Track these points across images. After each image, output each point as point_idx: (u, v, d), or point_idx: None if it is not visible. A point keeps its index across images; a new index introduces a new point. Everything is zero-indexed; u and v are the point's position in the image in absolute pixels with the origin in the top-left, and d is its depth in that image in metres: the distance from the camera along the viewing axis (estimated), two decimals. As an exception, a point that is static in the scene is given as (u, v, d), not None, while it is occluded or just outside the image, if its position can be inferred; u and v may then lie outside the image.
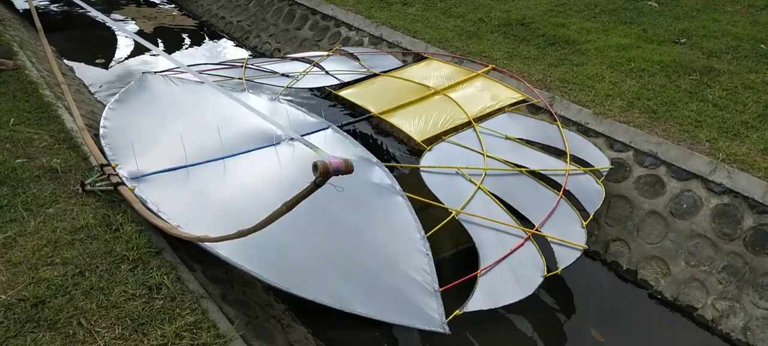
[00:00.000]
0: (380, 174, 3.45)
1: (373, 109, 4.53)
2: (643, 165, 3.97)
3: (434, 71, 5.18)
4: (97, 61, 6.67)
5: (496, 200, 3.42)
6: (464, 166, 3.64)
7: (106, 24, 7.86)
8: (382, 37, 5.94)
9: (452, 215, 3.21)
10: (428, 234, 3.01)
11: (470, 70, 5.13)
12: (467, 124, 4.19)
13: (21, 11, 7.55)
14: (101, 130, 3.82)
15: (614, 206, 3.93)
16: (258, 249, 2.76)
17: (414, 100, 4.63)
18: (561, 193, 3.55)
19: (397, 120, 4.37)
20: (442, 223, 3.16)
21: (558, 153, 3.98)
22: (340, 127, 4.26)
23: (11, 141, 3.53)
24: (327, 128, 4.21)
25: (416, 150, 4.10)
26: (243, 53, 7.09)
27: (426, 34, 5.86)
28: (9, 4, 7.43)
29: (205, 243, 2.60)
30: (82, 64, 6.58)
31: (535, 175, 3.71)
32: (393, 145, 4.78)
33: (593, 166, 3.86)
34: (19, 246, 2.68)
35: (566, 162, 3.84)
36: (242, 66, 5.34)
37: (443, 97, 4.67)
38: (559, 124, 4.22)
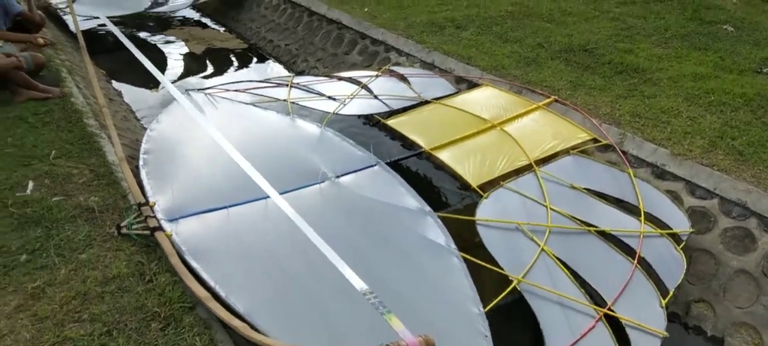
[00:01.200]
0: (433, 228, 3.14)
1: (424, 144, 4.25)
2: (730, 215, 3.51)
3: (490, 100, 4.85)
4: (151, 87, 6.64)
5: (562, 266, 3.05)
6: (525, 222, 3.29)
7: (157, 46, 7.90)
8: (434, 64, 5.66)
9: (513, 285, 2.87)
10: (487, 309, 2.68)
11: (529, 100, 4.78)
12: (527, 167, 3.84)
13: (74, 33, 7.66)
14: (141, 160, 3.68)
15: (697, 261, 3.48)
16: (297, 317, 2.53)
17: (469, 135, 4.33)
18: (636, 261, 3.14)
19: (450, 158, 4.07)
20: (503, 294, 2.82)
21: (629, 208, 3.58)
22: (389, 164, 3.99)
23: (50, 176, 3.41)
24: (375, 165, 3.95)
25: (470, 190, 3.79)
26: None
27: (481, 61, 5.54)
28: (64, 26, 7.55)
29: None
30: (131, 86, 6.56)
31: (605, 235, 3.32)
32: (445, 184, 4.47)
33: (671, 229, 3.43)
34: (48, 298, 2.51)
35: (640, 221, 3.43)
36: (288, 85, 5.17)
37: (500, 132, 4.34)
38: (631, 173, 3.81)
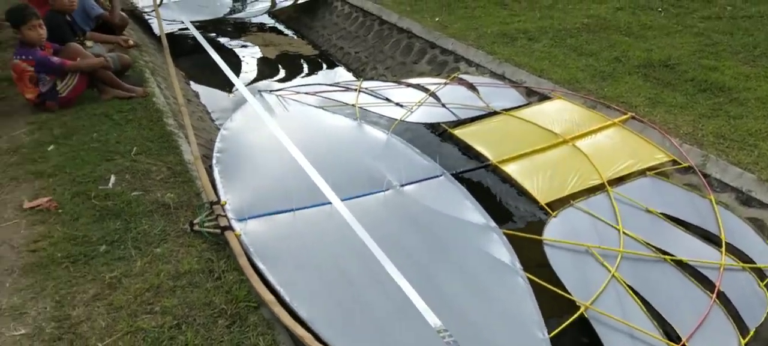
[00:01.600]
0: (498, 245, 3.07)
1: (491, 156, 4.16)
2: (826, 251, 3.23)
3: (562, 114, 4.70)
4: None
5: (633, 295, 2.90)
6: (596, 246, 3.15)
7: (234, 50, 8.19)
8: (504, 76, 5.56)
9: (581, 311, 2.75)
10: (552, 335, 2.58)
11: (604, 116, 4.59)
12: (600, 187, 3.68)
13: (157, 35, 8.07)
14: (214, 159, 3.81)
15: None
16: (359, 330, 2.54)
17: (538, 149, 4.20)
18: (714, 295, 2.92)
19: (518, 172, 3.96)
20: (570, 320, 2.70)
21: (709, 237, 3.35)
22: (455, 175, 3.94)
23: (131, 172, 3.59)
24: (440, 175, 3.91)
25: (538, 208, 3.68)
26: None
27: (553, 74, 5.39)
28: (148, 29, 7.97)
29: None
30: (208, 88, 6.84)
31: (682, 265, 3.12)
32: (512, 199, 4.36)
33: (755, 263, 3.19)
34: (123, 288, 2.63)
35: (721, 252, 3.20)
36: (356, 90, 5.23)
37: (572, 147, 4.19)
38: (713, 199, 3.58)
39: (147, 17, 7.97)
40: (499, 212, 4.13)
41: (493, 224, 3.32)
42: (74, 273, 2.73)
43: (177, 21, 7.69)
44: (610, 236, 3.26)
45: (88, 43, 5.17)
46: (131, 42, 5.95)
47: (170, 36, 6.81)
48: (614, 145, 4.19)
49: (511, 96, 5.24)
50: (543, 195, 3.66)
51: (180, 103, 4.57)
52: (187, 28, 8.41)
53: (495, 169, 4.26)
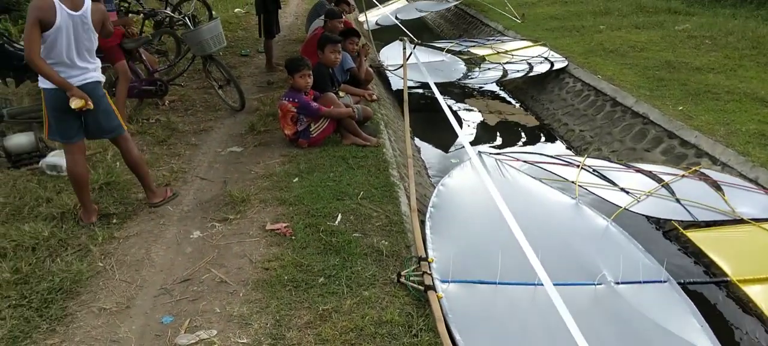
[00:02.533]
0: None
1: (731, 272, 3.63)
2: None
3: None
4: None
5: None
6: None
7: (456, 111, 8.54)
8: (758, 182, 4.82)
9: None
10: None
11: None
12: None
13: (393, 90, 8.80)
14: (427, 213, 3.95)
15: None
16: None
17: (795, 277, 3.53)
18: None
19: (764, 299, 3.37)
20: None
21: None
22: (682, 285, 3.51)
23: (355, 214, 3.94)
24: (664, 281, 3.52)
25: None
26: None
27: (826, 190, 4.51)
28: (387, 84, 8.76)
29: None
30: (428, 145, 7.22)
31: None
32: (751, 327, 3.70)
33: None
34: (332, 322, 2.86)
35: None
36: (579, 166, 5.00)
37: (844, 284, 3.43)
38: None
39: (389, 74, 8.77)
40: (729, 341, 3.54)
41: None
42: (295, 297, 3.06)
43: (415, 80, 8.32)
44: None
45: (341, 94, 5.89)
46: (374, 96, 6.61)
47: (401, 92, 7.39)
48: None
49: (764, 204, 4.50)
50: (795, 334, 3.05)
51: (408, 156, 4.89)
52: (417, 87, 9.06)
53: (733, 288, 3.69)
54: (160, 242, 3.66)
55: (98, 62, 3.70)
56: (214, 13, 10.23)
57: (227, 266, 3.39)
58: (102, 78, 3.73)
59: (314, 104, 5.07)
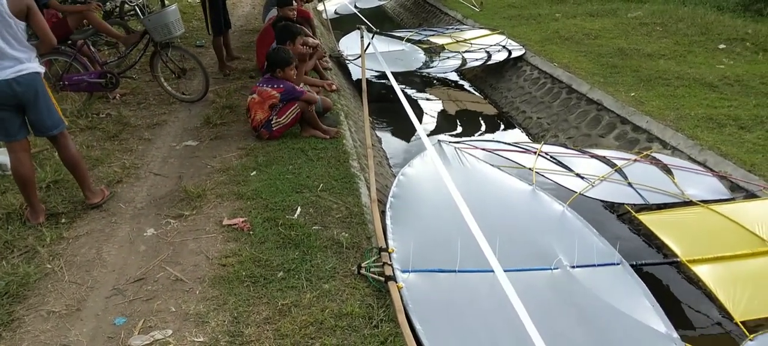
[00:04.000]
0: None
1: (681, 252, 3.75)
2: None
3: (774, 218, 4.07)
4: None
5: None
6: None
7: (417, 100, 8.57)
8: (706, 164, 5.00)
9: None
10: None
11: (831, 230, 3.88)
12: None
13: (353, 80, 8.75)
14: (388, 204, 3.94)
15: None
16: None
17: (740, 255, 3.69)
18: None
19: (712, 278, 3.51)
20: None
21: None
22: (635, 267, 3.61)
23: (315, 206, 3.90)
24: (617, 263, 3.62)
25: (732, 324, 3.19)
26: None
27: (768, 171, 4.72)
28: (347, 74, 8.70)
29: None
30: (389, 135, 7.22)
31: None
32: (701, 307, 3.85)
33: None
34: (291, 317, 2.83)
35: None
36: (536, 153, 5.08)
37: (785, 261, 3.60)
38: None
39: (348, 64, 8.71)
40: (680, 319, 3.67)
41: (675, 335, 2.96)
42: (253, 293, 3.01)
43: (374, 70, 8.29)
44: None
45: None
46: (334, 86, 6.55)
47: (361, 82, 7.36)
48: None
49: (711, 186, 4.68)
50: (739, 310, 3.19)
51: (367, 147, 4.87)
52: (377, 77, 9.03)
53: (683, 268, 3.82)
54: (111, 241, 3.54)
55: (32, 51, 3.52)
56: (167, 1, 9.94)
57: (183, 263, 3.30)
58: (41, 69, 3.55)
59: (299, 88, 5.01)
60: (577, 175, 4.77)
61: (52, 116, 3.61)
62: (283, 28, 5.60)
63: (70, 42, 5.77)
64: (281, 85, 4.92)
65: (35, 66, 3.48)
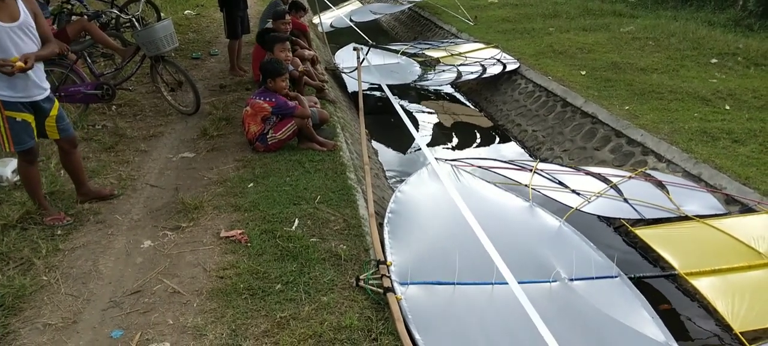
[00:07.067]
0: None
1: (678, 266, 3.77)
2: None
3: (769, 231, 4.10)
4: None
5: None
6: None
7: (413, 114, 8.59)
8: (700, 177, 5.04)
9: None
10: None
11: (826, 243, 3.91)
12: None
13: (350, 93, 8.77)
14: (386, 218, 3.94)
15: None
16: None
17: (737, 268, 3.71)
18: None
19: (710, 290, 3.52)
20: None
21: None
22: (633, 280, 3.62)
23: (312, 219, 3.89)
24: (615, 276, 3.63)
25: (731, 335, 3.20)
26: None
27: (762, 184, 4.75)
28: (343, 87, 8.72)
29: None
30: (386, 147, 7.22)
31: None
32: (698, 319, 3.86)
33: None
34: (290, 330, 2.81)
35: None
36: (532, 170, 5.10)
37: (781, 274, 3.62)
38: None
39: (344, 77, 8.72)
40: (679, 331, 3.68)
41: (674, 344, 2.97)
42: (251, 306, 2.99)
43: (371, 83, 8.31)
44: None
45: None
46: (325, 78, 6.53)
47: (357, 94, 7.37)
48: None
49: (706, 201, 4.72)
50: (738, 321, 3.20)
51: (365, 161, 4.87)
52: (374, 89, 9.05)
53: (680, 281, 3.84)
54: (108, 253, 3.51)
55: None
56: (163, 14, 9.94)
57: (180, 275, 3.28)
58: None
59: (291, 103, 5.00)
60: (573, 191, 4.80)
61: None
62: (264, 38, 5.73)
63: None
64: (273, 99, 4.91)
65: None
